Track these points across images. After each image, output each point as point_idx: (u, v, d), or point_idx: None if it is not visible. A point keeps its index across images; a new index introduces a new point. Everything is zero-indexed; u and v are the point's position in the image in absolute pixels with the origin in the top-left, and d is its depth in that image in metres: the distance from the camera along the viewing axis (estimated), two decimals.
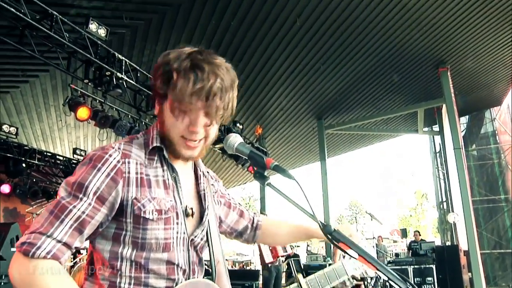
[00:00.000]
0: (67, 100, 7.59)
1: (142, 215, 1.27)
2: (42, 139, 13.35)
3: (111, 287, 1.29)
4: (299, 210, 1.32)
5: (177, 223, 1.34)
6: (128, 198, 1.28)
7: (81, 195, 1.23)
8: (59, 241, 1.18)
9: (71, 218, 1.20)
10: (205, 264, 1.47)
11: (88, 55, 6.96)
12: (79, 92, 7.67)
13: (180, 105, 1.25)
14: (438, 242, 18.76)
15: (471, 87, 14.43)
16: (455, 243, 15.38)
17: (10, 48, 7.47)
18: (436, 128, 17.48)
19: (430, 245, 12.03)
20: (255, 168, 1.39)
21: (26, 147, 11.61)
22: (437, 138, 18.47)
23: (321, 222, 1.27)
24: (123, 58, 7.63)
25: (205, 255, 1.48)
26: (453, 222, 14.39)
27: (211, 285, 1.40)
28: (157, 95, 1.33)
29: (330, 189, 14.86)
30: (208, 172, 1.64)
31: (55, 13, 6.43)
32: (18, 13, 5.98)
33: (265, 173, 1.37)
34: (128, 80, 7.68)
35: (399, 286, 1.13)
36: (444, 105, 13.10)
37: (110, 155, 1.29)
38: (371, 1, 8.91)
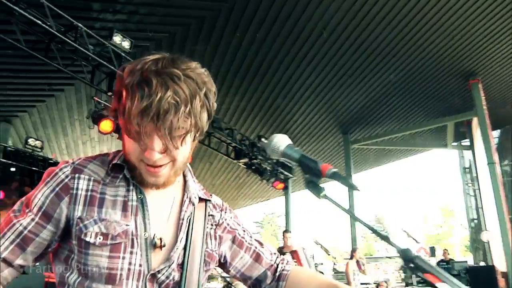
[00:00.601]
0: (90, 113, 7.51)
1: (82, 237, 1.09)
2: (67, 152, 13.38)
3: None
4: (366, 227, 1.06)
5: (131, 253, 1.12)
6: (74, 217, 1.12)
7: (27, 210, 1.13)
8: None
9: (13, 233, 1.10)
10: None
11: (112, 67, 6.88)
12: (102, 105, 7.58)
13: (129, 127, 1.04)
14: (469, 262, 18.09)
15: (503, 99, 13.95)
16: (489, 264, 14.74)
17: (36, 63, 7.52)
18: (466, 142, 16.92)
19: (463, 265, 11.50)
20: (306, 176, 1.13)
21: (50, 161, 11.57)
22: (467, 153, 17.90)
23: (398, 246, 0.95)
24: None
25: None
26: (487, 241, 13.80)
27: None
28: (115, 114, 1.11)
29: (355, 205, 14.49)
30: (208, 199, 1.36)
31: (80, 25, 6.39)
32: (44, 25, 5.94)
33: (320, 183, 1.12)
34: None
35: None
36: (475, 118, 12.66)
37: (60, 169, 1.17)
38: (398, 13, 8.68)
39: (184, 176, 1.30)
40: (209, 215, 1.33)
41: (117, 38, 6.82)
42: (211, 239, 1.31)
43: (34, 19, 5.88)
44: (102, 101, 7.60)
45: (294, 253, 8.39)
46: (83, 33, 6.51)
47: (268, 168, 12.08)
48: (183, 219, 1.23)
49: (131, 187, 1.17)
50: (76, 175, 1.15)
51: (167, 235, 1.19)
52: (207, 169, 15.81)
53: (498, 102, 13.91)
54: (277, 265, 1.42)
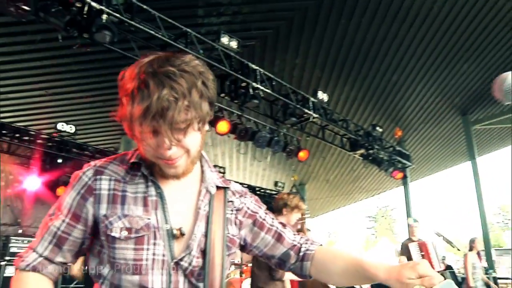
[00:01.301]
0: None
1: (108, 233, 1.21)
2: None
3: None
4: None
5: (155, 244, 1.22)
6: (100, 215, 1.24)
7: (58, 212, 1.27)
8: (40, 255, 1.25)
9: (49, 234, 1.26)
10: None
11: (224, 68, 6.97)
12: (217, 107, 7.73)
13: (135, 130, 1.15)
14: None
15: None
16: None
17: None
18: None
19: None
20: None
21: None
22: None
23: None
24: (257, 68, 7.53)
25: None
26: None
27: None
28: (121, 121, 1.22)
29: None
30: (226, 187, 1.43)
31: (189, 30, 6.56)
32: (158, 35, 6.18)
33: None
34: (265, 89, 7.55)
35: None
36: None
37: (84, 173, 1.29)
38: None
39: (201, 167, 1.39)
40: (228, 202, 1.41)
41: (224, 39, 6.90)
42: (231, 225, 1.40)
43: (150, 31, 6.14)
44: (217, 104, 7.75)
45: (422, 245, 7.85)
46: (192, 38, 6.67)
47: (385, 157, 11.57)
48: (199, 208, 1.32)
49: (149, 183, 1.28)
50: (98, 177, 1.27)
51: (187, 225, 1.29)
52: (320, 164, 15.60)
53: None
54: (301, 245, 1.47)
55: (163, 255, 1.23)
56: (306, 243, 1.48)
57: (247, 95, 7.23)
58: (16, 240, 8.45)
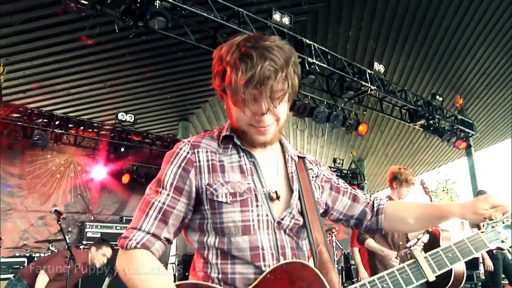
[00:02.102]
0: None
1: (215, 199, 1.30)
2: None
3: (204, 278, 1.33)
4: None
5: (257, 206, 1.33)
6: (202, 185, 1.33)
7: (160, 189, 1.35)
8: (147, 233, 1.30)
9: (154, 210, 1.32)
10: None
11: None
12: None
13: (238, 97, 1.24)
14: None
15: None
16: None
17: (203, 60, 7.99)
18: None
19: None
20: None
21: None
22: None
23: None
24: (312, 43, 7.42)
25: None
26: None
27: (308, 266, 1.28)
28: (219, 92, 1.35)
29: None
30: (303, 157, 1.58)
31: (241, 10, 6.55)
32: (211, 17, 6.21)
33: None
34: (321, 64, 7.44)
35: None
36: None
37: (181, 149, 1.39)
38: None
39: (280, 140, 1.52)
40: (309, 169, 1.55)
41: (276, 16, 6.88)
42: (316, 189, 1.53)
43: (203, 14, 6.20)
44: None
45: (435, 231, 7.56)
46: (245, 17, 6.67)
47: (447, 127, 11.16)
48: (292, 173, 1.46)
49: (241, 154, 1.41)
50: (195, 150, 1.38)
51: (281, 188, 1.41)
52: (378, 139, 15.24)
53: None
54: (373, 202, 1.63)
55: (267, 215, 1.34)
56: (377, 200, 1.64)
57: (303, 71, 7.16)
58: (91, 225, 8.87)
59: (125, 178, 10.75)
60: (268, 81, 1.20)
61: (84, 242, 8.25)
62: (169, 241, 1.35)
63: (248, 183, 1.34)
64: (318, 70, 7.60)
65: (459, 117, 11.73)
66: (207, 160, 1.36)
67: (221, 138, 1.42)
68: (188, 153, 1.37)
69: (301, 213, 1.40)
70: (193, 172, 1.34)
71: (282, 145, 1.53)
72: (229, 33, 6.71)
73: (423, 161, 18.19)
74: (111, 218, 10.77)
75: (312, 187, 1.49)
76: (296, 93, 1.36)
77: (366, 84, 8.28)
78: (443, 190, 51.86)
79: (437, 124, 10.61)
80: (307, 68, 7.15)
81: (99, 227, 8.89)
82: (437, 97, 10.56)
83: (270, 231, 1.34)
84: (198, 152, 1.38)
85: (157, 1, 5.68)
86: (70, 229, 9.13)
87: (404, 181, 4.27)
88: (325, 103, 8.59)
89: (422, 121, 10.25)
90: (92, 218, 10.16)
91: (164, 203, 1.32)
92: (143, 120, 11.10)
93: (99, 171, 10.58)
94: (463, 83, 12.40)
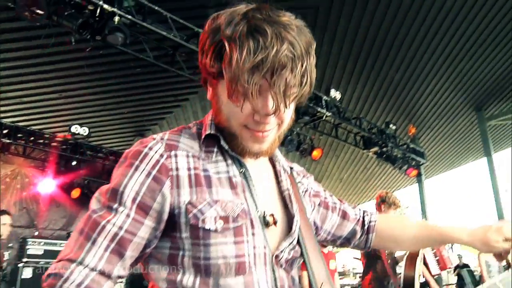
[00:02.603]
0: None
1: (200, 225, 0.93)
2: None
3: None
4: None
5: (253, 234, 0.98)
6: (180, 204, 0.95)
7: (115, 205, 0.93)
8: (92, 269, 0.89)
9: (105, 237, 0.91)
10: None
11: None
12: None
13: (238, 85, 0.89)
14: None
15: None
16: None
17: (162, 77, 8.00)
18: None
19: None
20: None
21: None
22: None
23: None
24: None
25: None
26: None
27: None
28: (208, 75, 0.99)
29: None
30: (291, 167, 1.25)
31: (201, 30, 6.52)
32: (170, 36, 6.21)
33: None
34: None
35: None
36: None
37: (150, 148, 0.98)
38: None
39: None
40: (298, 183, 1.24)
41: None
42: (307, 205, 1.24)
43: (162, 32, 6.14)
44: None
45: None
46: None
47: (399, 155, 11.48)
48: (288, 189, 1.13)
49: (229, 161, 1.04)
50: (173, 153, 0.99)
51: (276, 210, 1.08)
52: (333, 163, 15.52)
53: None
54: (363, 218, 1.38)
55: (264, 247, 1.00)
56: (367, 215, 1.40)
57: None
58: (33, 242, 8.45)
59: (75, 193, 10.44)
60: (284, 71, 0.88)
61: (25, 260, 7.90)
62: (122, 278, 0.99)
63: (241, 203, 0.99)
64: None
65: (411, 145, 12.09)
66: (188, 169, 0.98)
67: (202, 138, 1.05)
68: (161, 156, 0.97)
69: (298, 241, 1.09)
70: (168, 185, 0.95)
71: None
72: (189, 53, 6.72)
73: (376, 186, 18.61)
74: (57, 233, 10.40)
75: (304, 207, 1.19)
76: (310, 94, 1.01)
77: (322, 111, 8.43)
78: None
79: (389, 152, 10.89)
80: None
81: (42, 243, 8.44)
82: (391, 125, 10.86)
83: (268, 268, 1.00)
84: (176, 155, 0.98)
85: (116, 17, 5.62)
86: (11, 244, 8.75)
87: (392, 203, 4.45)
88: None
89: (376, 148, 10.50)
90: (37, 233, 9.78)
91: (121, 228, 0.91)
92: (98, 133, 10.86)
93: (48, 184, 10.23)
94: (416, 113, 12.85)
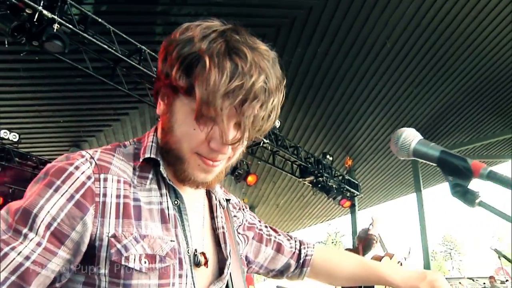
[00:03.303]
0: None
1: (123, 263, 0.81)
2: None
3: None
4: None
5: (180, 276, 0.88)
6: (103, 236, 0.82)
7: (25, 230, 0.77)
8: None
9: (6, 267, 0.74)
10: None
11: None
12: None
13: (210, 108, 0.80)
14: None
15: None
16: None
17: (102, 89, 7.76)
18: None
19: None
20: (450, 179, 0.88)
21: None
22: None
23: None
24: None
25: None
26: None
27: None
28: (167, 87, 0.87)
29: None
30: (228, 199, 1.18)
31: (144, 47, 6.49)
32: (111, 50, 6.08)
33: (468, 186, 0.86)
34: None
35: None
36: None
37: (77, 168, 0.85)
38: (465, 17, 8.17)
39: None
40: (234, 217, 1.18)
41: None
42: (240, 243, 1.17)
43: (102, 45, 6.01)
44: None
45: None
46: (147, 55, 6.58)
47: (334, 186, 11.75)
48: (223, 228, 1.05)
49: (163, 190, 0.93)
50: (102, 176, 0.86)
51: (208, 248, 1.00)
52: (270, 189, 15.65)
53: None
54: (299, 251, 1.33)
55: None
56: (304, 248, 1.34)
57: None
58: None
59: None
60: (255, 102, 0.82)
61: None
62: None
63: (171, 240, 0.89)
64: None
65: (347, 177, 12.41)
66: (117, 196, 0.86)
67: (140, 160, 0.93)
68: (88, 178, 0.85)
69: (227, 286, 1.01)
70: (92, 213, 0.83)
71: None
72: (129, 68, 6.62)
73: (311, 214, 18.91)
74: None
75: (238, 243, 1.14)
76: (263, 134, 0.94)
77: (260, 137, 8.50)
78: (332, 242, 54.08)
79: (325, 182, 11.12)
80: None
81: None
82: (328, 156, 11.13)
83: None
84: (105, 179, 0.87)
85: (56, 24, 5.45)
86: None
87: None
88: None
89: (311, 178, 10.70)
90: None
91: (27, 258, 0.76)
92: (29, 140, 10.39)
93: None
94: (353, 146, 13.26)
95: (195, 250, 0.94)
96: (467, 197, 0.85)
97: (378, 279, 1.27)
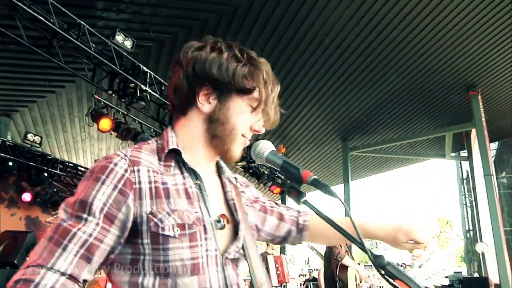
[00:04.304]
0: (90, 111, 7.56)
1: (160, 232, 1.07)
2: (65, 149, 13.38)
3: None
4: (341, 233, 1.11)
5: (206, 239, 1.13)
6: (142, 214, 1.08)
7: (85, 215, 1.04)
8: (62, 274, 0.99)
9: (75, 244, 1.01)
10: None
11: (113, 66, 6.90)
12: (102, 103, 7.63)
13: (265, 105, 1.25)
14: (463, 273, 18.09)
15: (502, 112, 13.99)
16: (483, 275, 14.73)
17: (38, 59, 7.54)
18: (464, 153, 16.97)
19: (457, 276, 11.48)
20: (288, 182, 1.18)
21: (49, 157, 11.59)
22: (465, 164, 17.95)
23: (371, 252, 1.02)
24: (148, 70, 7.56)
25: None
26: (482, 252, 13.78)
27: None
28: (223, 90, 1.22)
29: (351, 213, 14.43)
30: (235, 178, 1.44)
31: (82, 23, 6.41)
32: (47, 22, 5.97)
33: (301, 189, 1.17)
34: (152, 93, 7.60)
35: None
36: (473, 130, 12.70)
37: (116, 164, 1.10)
38: (400, 22, 8.70)
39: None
40: (241, 192, 1.43)
41: (119, 38, 6.83)
42: (248, 213, 1.42)
43: (38, 16, 5.87)
44: (102, 99, 7.64)
45: (277, 258, 8.87)
46: (85, 31, 6.51)
47: (266, 172, 12.10)
48: (233, 199, 1.30)
49: (185, 174, 1.20)
50: (136, 168, 1.12)
51: (225, 216, 1.26)
52: None
53: (497, 115, 13.97)
54: (298, 218, 1.56)
55: (215, 250, 1.15)
56: (301, 215, 1.57)
57: (134, 96, 7.24)
58: None
59: None
60: (277, 102, 1.32)
61: None
62: (86, 283, 1.06)
63: (196, 212, 1.14)
64: (150, 99, 7.76)
65: (266, 165, 12.78)
66: (149, 182, 1.11)
67: (165, 152, 1.19)
68: (126, 171, 1.10)
69: (242, 245, 1.25)
70: (132, 197, 1.08)
71: (217, 164, 1.37)
72: (67, 41, 6.50)
73: None
74: None
75: (247, 213, 1.38)
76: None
77: None
78: None
79: (256, 168, 11.45)
80: (139, 94, 7.24)
81: None
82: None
83: (218, 268, 1.15)
84: (138, 170, 1.11)
85: None
86: None
87: None
88: (152, 130, 8.75)
89: (243, 163, 10.97)
90: None
91: (90, 235, 1.03)
92: None
93: None
94: (287, 135, 13.67)
95: (220, 215, 1.22)
96: (297, 196, 1.14)
97: (363, 233, 1.40)
